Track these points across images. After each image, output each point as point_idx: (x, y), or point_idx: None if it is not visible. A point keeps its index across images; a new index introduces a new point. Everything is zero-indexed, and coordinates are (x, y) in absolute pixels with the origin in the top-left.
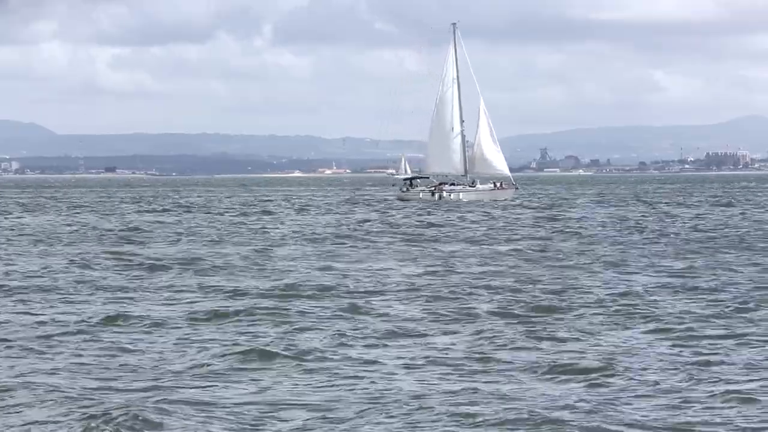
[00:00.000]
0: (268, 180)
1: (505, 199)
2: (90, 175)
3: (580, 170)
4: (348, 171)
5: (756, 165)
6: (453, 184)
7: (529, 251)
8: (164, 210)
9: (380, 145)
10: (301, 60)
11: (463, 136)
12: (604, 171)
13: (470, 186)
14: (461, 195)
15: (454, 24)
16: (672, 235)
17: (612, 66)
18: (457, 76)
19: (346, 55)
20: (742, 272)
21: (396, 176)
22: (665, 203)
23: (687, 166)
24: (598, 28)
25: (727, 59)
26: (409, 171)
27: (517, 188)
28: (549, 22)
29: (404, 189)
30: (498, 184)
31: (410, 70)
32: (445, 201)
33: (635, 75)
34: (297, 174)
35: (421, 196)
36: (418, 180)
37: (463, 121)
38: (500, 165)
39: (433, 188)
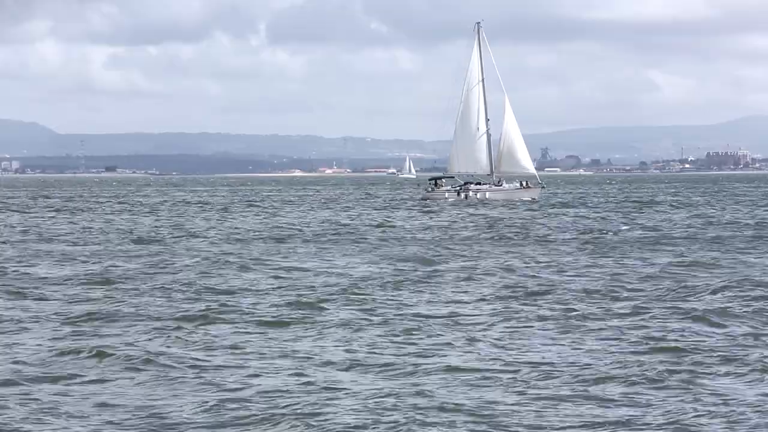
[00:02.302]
0: (275, 179)
1: (532, 199)
2: (91, 174)
3: (581, 170)
4: (348, 170)
5: (756, 165)
6: (479, 184)
7: None
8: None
9: (380, 145)
10: (302, 60)
11: (489, 135)
12: (604, 171)
13: (496, 185)
14: (487, 194)
15: (478, 23)
16: None
17: (612, 66)
18: (482, 76)
19: (347, 55)
20: None
21: (402, 176)
22: None
23: (687, 165)
24: (599, 28)
25: (727, 59)
26: (413, 171)
27: (543, 187)
28: (548, 22)
29: (429, 189)
30: (524, 183)
31: (405, 69)
32: (471, 201)
33: (636, 75)
34: (297, 173)
35: (446, 195)
36: (443, 179)
37: (488, 120)
38: (527, 164)
39: (458, 188)
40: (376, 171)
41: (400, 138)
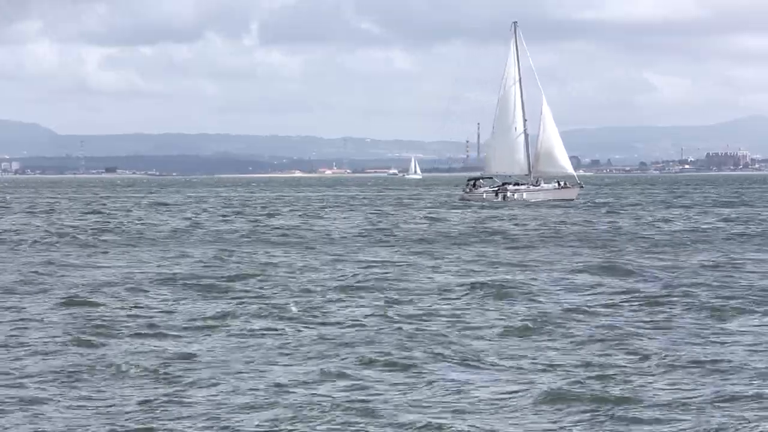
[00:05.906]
0: (280, 180)
1: (571, 199)
2: (91, 175)
3: (581, 170)
4: (348, 171)
5: (756, 165)
6: (517, 184)
7: None
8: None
9: (380, 146)
10: (301, 60)
11: (527, 135)
12: (604, 171)
13: (534, 185)
14: (525, 195)
15: (515, 23)
16: None
17: (612, 66)
18: (519, 75)
19: (346, 55)
20: None
21: (407, 176)
22: None
23: (687, 166)
24: (599, 28)
25: (727, 60)
26: (418, 171)
27: (582, 187)
28: (548, 22)
29: (467, 189)
30: (563, 183)
31: (404, 69)
32: (510, 201)
33: (636, 75)
34: (297, 174)
35: (484, 196)
36: (481, 180)
37: (526, 120)
38: (565, 163)
39: (496, 188)
40: (375, 172)
41: (400, 138)
